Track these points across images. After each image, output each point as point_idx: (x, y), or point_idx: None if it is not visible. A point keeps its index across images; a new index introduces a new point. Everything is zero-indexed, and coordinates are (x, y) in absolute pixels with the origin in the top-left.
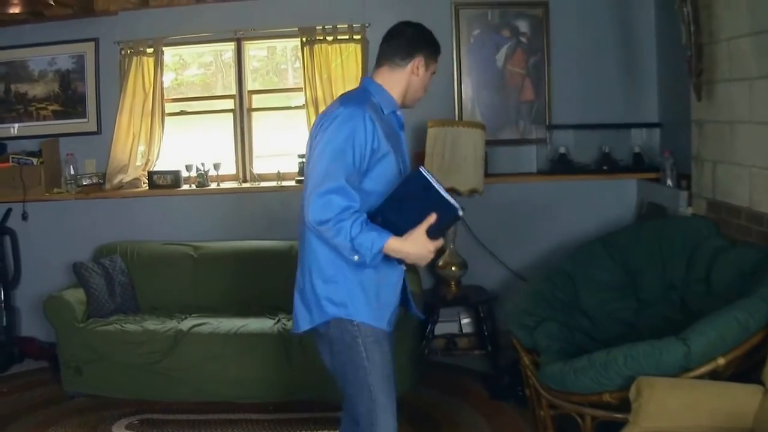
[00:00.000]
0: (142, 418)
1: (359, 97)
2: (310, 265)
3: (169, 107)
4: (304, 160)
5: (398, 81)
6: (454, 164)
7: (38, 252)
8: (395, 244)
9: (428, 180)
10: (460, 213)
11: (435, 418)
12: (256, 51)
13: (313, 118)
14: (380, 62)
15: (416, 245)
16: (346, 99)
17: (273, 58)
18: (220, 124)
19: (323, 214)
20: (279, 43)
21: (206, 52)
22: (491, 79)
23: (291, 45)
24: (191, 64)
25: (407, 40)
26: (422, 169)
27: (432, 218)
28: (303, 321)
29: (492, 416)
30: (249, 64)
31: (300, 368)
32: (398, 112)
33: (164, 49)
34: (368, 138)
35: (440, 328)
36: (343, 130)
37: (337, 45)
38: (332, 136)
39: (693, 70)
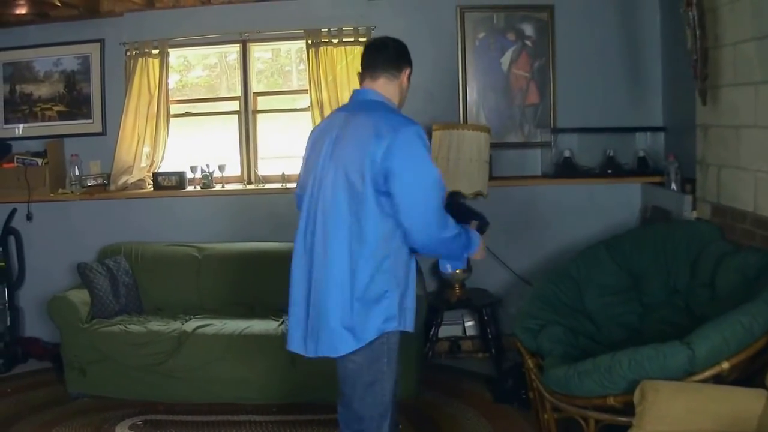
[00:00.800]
0: (146, 418)
1: (395, 110)
2: (354, 289)
3: (174, 108)
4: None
5: (395, 91)
6: (459, 167)
7: (42, 252)
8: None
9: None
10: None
11: (438, 421)
12: (260, 53)
13: (318, 120)
14: (376, 74)
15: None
16: (395, 116)
17: (277, 60)
18: (225, 125)
19: (451, 229)
20: (283, 45)
21: (211, 53)
22: (496, 83)
23: (295, 47)
24: (196, 66)
25: (396, 53)
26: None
27: (475, 224)
28: (344, 345)
29: (495, 419)
30: (254, 66)
31: (303, 370)
32: None
33: (169, 50)
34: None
35: (444, 331)
36: (423, 148)
37: (343, 47)
38: (418, 157)
39: (698, 75)
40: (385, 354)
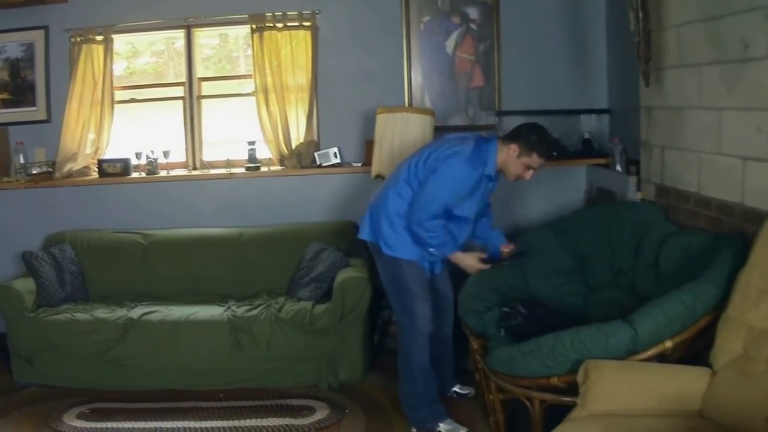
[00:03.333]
0: (93, 407)
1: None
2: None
3: (120, 95)
4: (254, 147)
5: (500, 153)
6: (403, 150)
7: None
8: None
9: None
10: None
11: (385, 405)
12: (208, 39)
13: (263, 106)
14: (504, 136)
15: None
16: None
17: (225, 46)
18: (172, 111)
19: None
20: (231, 30)
21: (158, 40)
22: (441, 66)
23: (243, 32)
24: (144, 53)
25: (514, 131)
26: None
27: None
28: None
29: (443, 402)
30: (199, 52)
31: (250, 356)
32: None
33: (116, 37)
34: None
35: (390, 314)
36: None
37: (287, 32)
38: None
39: (641, 56)
40: None
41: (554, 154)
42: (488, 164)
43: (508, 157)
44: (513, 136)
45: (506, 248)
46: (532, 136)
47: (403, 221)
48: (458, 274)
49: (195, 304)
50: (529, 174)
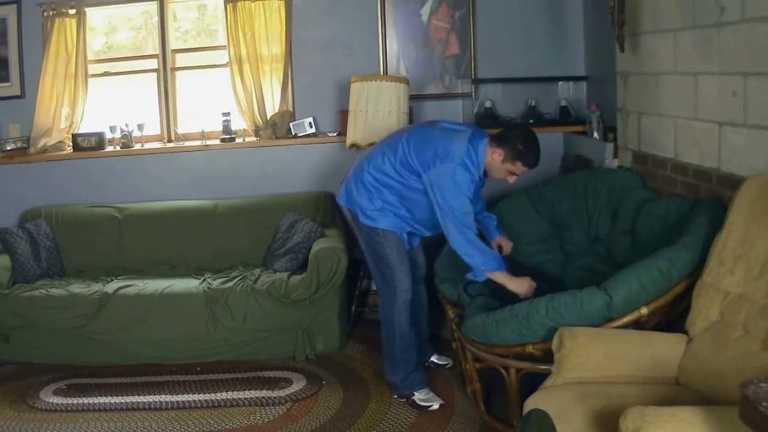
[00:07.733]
0: (70, 383)
1: (472, 152)
2: None
3: (94, 69)
4: (228, 118)
5: (486, 155)
6: (378, 119)
7: None
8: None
9: None
10: None
11: (362, 376)
12: (187, 12)
13: (237, 76)
14: (493, 137)
15: None
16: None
17: (204, 19)
18: (147, 84)
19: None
20: (210, 2)
21: (136, 15)
22: (416, 34)
23: (221, 5)
24: (122, 28)
25: (502, 134)
26: None
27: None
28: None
29: (423, 372)
30: (172, 24)
31: (226, 328)
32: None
33: (93, 12)
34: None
35: (368, 285)
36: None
37: (261, 2)
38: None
39: (616, 22)
40: None
41: (531, 121)
42: (479, 167)
43: (493, 161)
44: (500, 140)
45: (500, 242)
46: (518, 144)
47: (380, 192)
48: (433, 245)
49: (170, 277)
50: (512, 179)
